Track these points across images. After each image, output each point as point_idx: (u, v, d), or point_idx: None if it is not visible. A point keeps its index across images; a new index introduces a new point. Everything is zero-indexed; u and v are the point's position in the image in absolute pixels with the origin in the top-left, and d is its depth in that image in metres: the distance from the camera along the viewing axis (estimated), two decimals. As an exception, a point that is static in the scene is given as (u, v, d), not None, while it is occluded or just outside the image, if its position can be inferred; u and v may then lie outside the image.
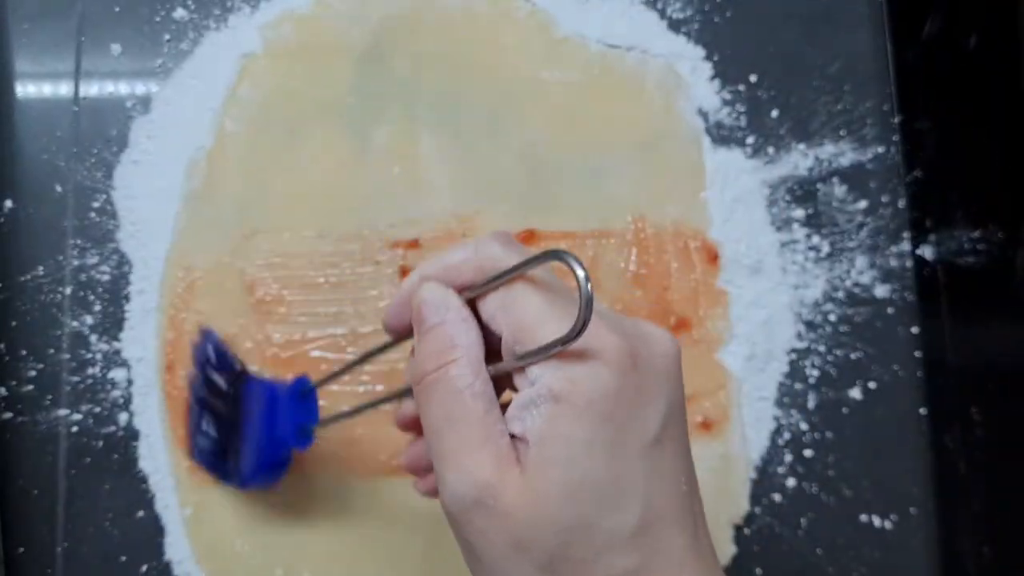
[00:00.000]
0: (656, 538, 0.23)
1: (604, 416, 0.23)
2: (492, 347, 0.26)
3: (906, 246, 0.47)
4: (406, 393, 0.30)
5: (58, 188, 0.48)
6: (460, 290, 0.27)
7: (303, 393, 0.39)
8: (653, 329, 0.25)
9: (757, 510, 0.45)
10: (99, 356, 0.47)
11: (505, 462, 0.23)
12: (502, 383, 0.26)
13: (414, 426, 0.33)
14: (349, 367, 0.37)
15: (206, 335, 0.43)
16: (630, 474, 0.23)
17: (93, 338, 0.47)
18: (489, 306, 0.26)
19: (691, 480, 0.25)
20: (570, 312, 0.22)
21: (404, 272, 0.46)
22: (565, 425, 0.23)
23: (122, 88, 0.49)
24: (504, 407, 0.25)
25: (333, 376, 0.39)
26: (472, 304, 0.26)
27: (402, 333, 0.30)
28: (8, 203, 0.48)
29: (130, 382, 0.47)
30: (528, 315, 0.24)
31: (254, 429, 0.40)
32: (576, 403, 0.23)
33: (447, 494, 0.24)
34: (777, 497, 0.45)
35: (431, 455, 0.25)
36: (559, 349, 0.23)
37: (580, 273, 0.22)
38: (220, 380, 0.42)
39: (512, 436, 0.24)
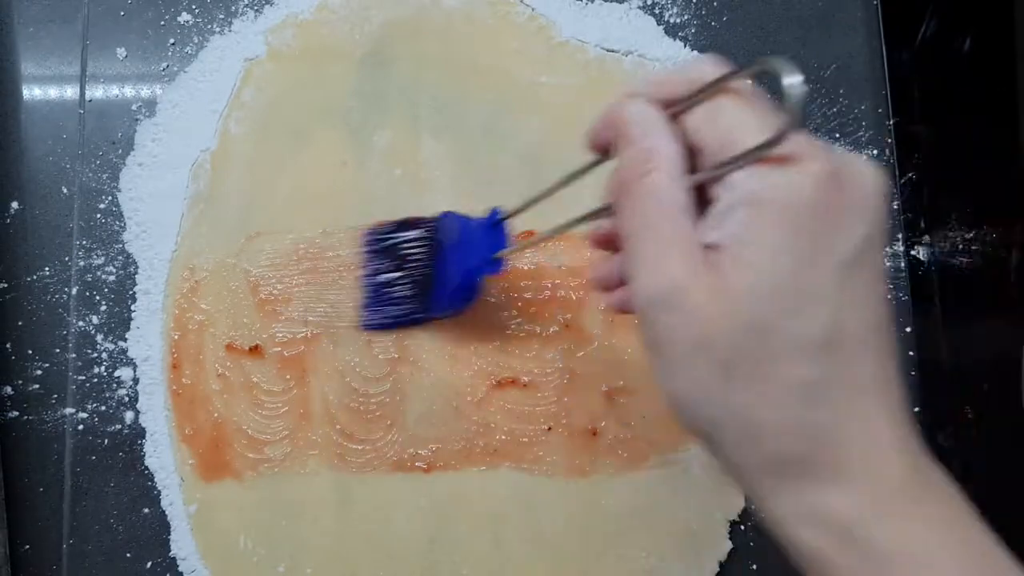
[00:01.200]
0: (839, 357, 0.23)
1: (800, 226, 0.23)
2: (694, 165, 0.26)
3: (900, 247, 0.47)
4: (602, 212, 0.30)
5: (64, 190, 0.49)
6: (666, 107, 0.27)
7: (494, 224, 0.40)
8: (861, 161, 0.25)
9: (752, 506, 0.45)
10: (105, 355, 0.48)
11: (696, 266, 0.24)
12: (701, 199, 0.26)
13: (607, 244, 0.34)
14: (547, 193, 0.36)
15: (369, 234, 0.46)
16: (820, 287, 0.23)
17: (99, 338, 0.48)
18: (694, 119, 0.26)
19: (883, 315, 0.24)
20: (774, 120, 0.22)
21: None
22: (760, 229, 0.23)
23: (127, 91, 0.49)
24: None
25: (527, 205, 0.39)
26: (676, 117, 0.26)
27: (604, 152, 0.30)
28: (15, 204, 0.49)
29: (136, 381, 0.47)
30: (733, 124, 0.24)
31: (445, 261, 0.42)
32: (774, 208, 0.23)
33: (639, 292, 0.25)
34: (773, 494, 0.45)
35: (625, 259, 0.26)
36: (764, 153, 0.23)
37: (790, 78, 0.22)
38: (396, 239, 0.44)
39: (707, 247, 0.24)
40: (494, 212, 0.40)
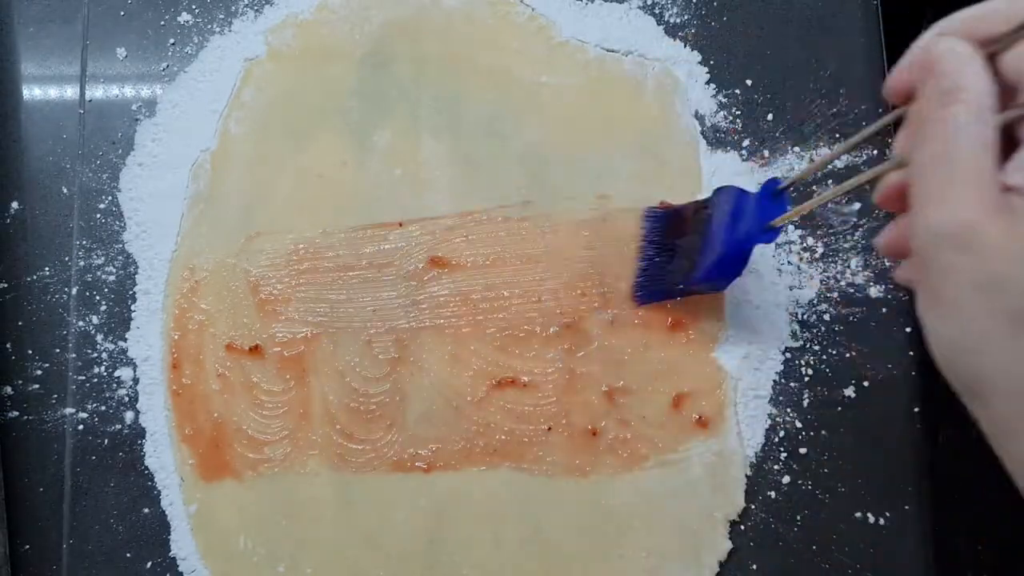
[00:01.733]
0: None
1: None
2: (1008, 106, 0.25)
3: (900, 247, 0.47)
4: (890, 167, 0.28)
5: (64, 190, 0.49)
6: (982, 45, 0.25)
7: (774, 193, 0.39)
8: None
9: (752, 506, 0.45)
10: (105, 355, 0.48)
11: (993, 206, 0.23)
12: (1010, 142, 0.25)
13: (897, 200, 0.30)
14: (833, 156, 0.35)
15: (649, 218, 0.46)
16: None
17: (99, 338, 0.48)
18: (1013, 56, 0.24)
19: None
20: None
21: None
22: None
23: (127, 91, 0.49)
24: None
25: (808, 171, 0.38)
26: (991, 58, 0.25)
27: (904, 101, 0.28)
28: (15, 205, 0.49)
29: (136, 381, 0.47)
30: None
31: (717, 232, 0.40)
32: None
33: (924, 225, 0.24)
34: (772, 494, 0.45)
35: (913, 195, 0.25)
36: None
37: None
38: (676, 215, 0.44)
39: (1008, 189, 0.23)
40: (772, 181, 0.39)
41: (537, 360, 0.46)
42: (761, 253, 0.47)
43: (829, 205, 0.47)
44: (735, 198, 0.40)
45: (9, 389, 0.48)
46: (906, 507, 0.45)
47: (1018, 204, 0.23)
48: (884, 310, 0.46)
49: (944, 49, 0.25)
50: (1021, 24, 0.24)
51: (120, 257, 0.48)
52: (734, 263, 0.40)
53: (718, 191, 0.42)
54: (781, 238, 0.47)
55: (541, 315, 0.46)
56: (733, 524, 0.45)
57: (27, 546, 0.47)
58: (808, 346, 0.46)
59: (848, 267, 0.47)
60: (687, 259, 0.42)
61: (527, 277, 0.46)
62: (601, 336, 0.46)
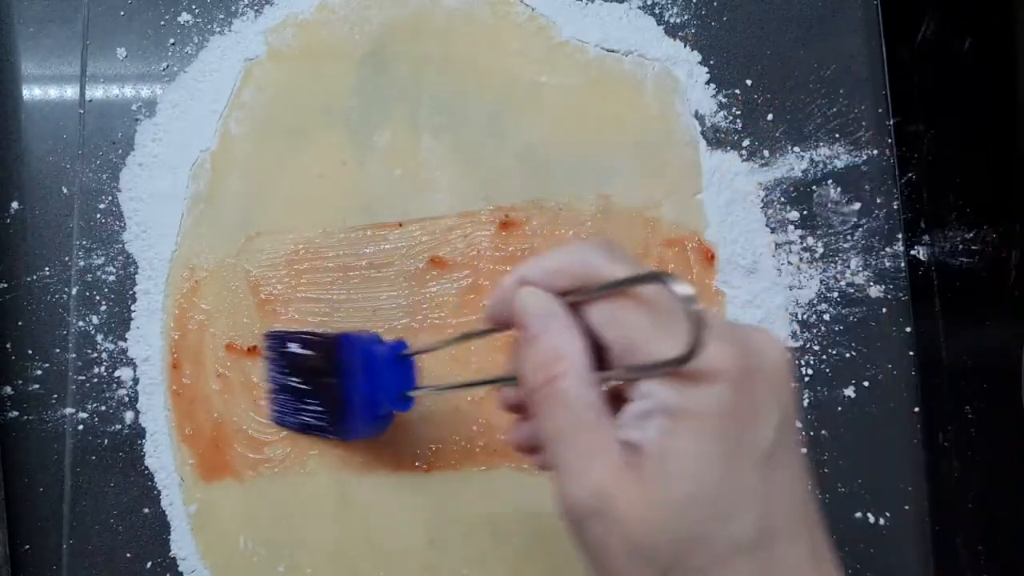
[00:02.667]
0: (774, 549, 0.23)
1: (720, 431, 0.23)
2: (599, 357, 0.26)
3: (900, 247, 0.47)
4: (509, 380, 0.30)
5: (64, 190, 0.49)
6: (563, 294, 0.27)
7: (401, 358, 0.40)
8: (764, 338, 0.25)
9: None
10: (105, 355, 0.48)
11: (620, 470, 0.24)
12: (612, 389, 0.26)
13: (518, 409, 0.33)
14: (447, 343, 0.37)
15: (270, 337, 0.45)
16: (746, 486, 0.23)
17: (99, 338, 0.48)
18: (595, 316, 0.26)
19: (807, 491, 0.25)
20: (680, 329, 0.23)
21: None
22: (681, 440, 0.23)
23: (127, 91, 0.49)
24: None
25: (430, 349, 0.39)
26: (574, 307, 0.26)
27: (504, 326, 0.30)
28: (15, 204, 0.49)
29: (136, 381, 0.47)
30: (637, 332, 0.24)
31: (355, 387, 0.41)
32: (692, 419, 0.23)
33: (566, 503, 0.25)
34: (773, 494, 0.45)
35: (551, 464, 0.26)
36: (672, 368, 0.23)
37: (685, 295, 0.22)
38: (300, 353, 0.43)
39: (624, 443, 0.24)
40: (399, 344, 0.41)
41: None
42: (761, 253, 0.47)
43: (828, 205, 0.47)
44: (365, 352, 0.41)
45: (9, 389, 0.48)
46: (906, 507, 0.45)
47: (640, 463, 0.23)
48: (884, 310, 0.46)
49: (529, 304, 0.26)
50: (597, 288, 0.25)
51: (120, 257, 0.48)
52: (378, 423, 0.42)
53: (344, 338, 0.41)
54: (781, 238, 0.47)
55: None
56: (733, 524, 0.45)
57: (27, 546, 0.47)
58: (808, 346, 0.46)
59: (848, 267, 0.47)
60: (328, 404, 0.42)
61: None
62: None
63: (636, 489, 0.23)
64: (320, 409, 0.43)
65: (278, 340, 0.44)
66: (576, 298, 0.26)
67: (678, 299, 0.22)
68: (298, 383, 0.43)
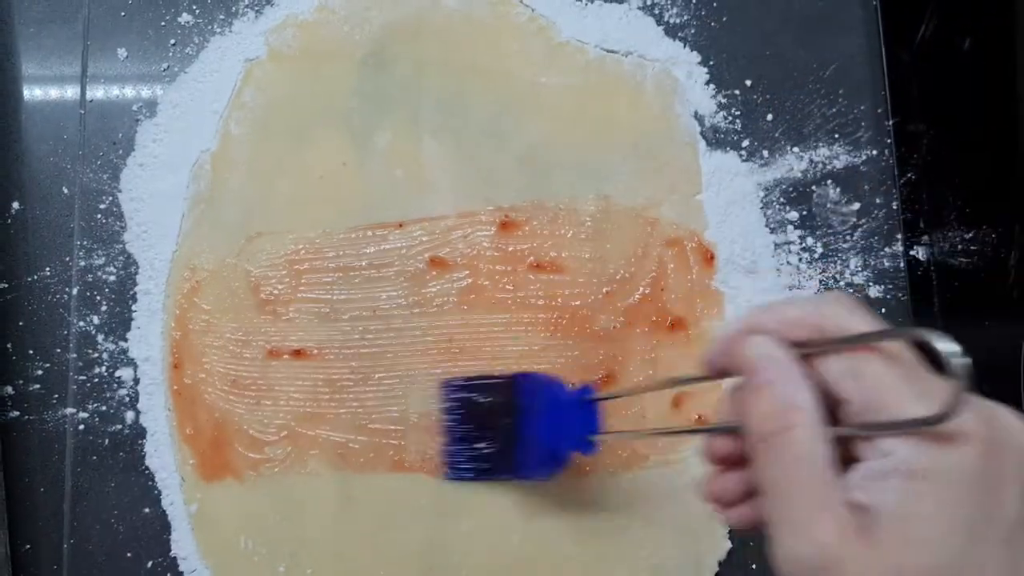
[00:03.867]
0: None
1: (966, 499, 0.22)
2: (832, 412, 0.25)
3: (899, 247, 0.47)
4: (720, 429, 0.29)
5: (65, 190, 0.49)
6: (795, 345, 0.26)
7: (585, 402, 0.40)
8: (1010, 415, 0.24)
9: None
10: (106, 355, 0.48)
11: (848, 531, 0.23)
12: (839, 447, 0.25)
13: (725, 461, 0.31)
14: (644, 389, 0.37)
15: (447, 386, 0.44)
16: (992, 559, 0.22)
17: (100, 338, 0.48)
18: (833, 368, 0.25)
19: None
20: (930, 388, 0.22)
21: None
22: (925, 504, 0.22)
23: (128, 92, 0.50)
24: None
25: (619, 395, 0.39)
26: (804, 359, 0.26)
27: (720, 375, 0.29)
28: (15, 205, 0.49)
29: (136, 381, 0.47)
30: (884, 389, 0.24)
31: (531, 426, 0.41)
32: (938, 484, 0.22)
33: (787, 557, 0.24)
34: (772, 494, 0.45)
35: (768, 514, 0.25)
36: (924, 429, 0.22)
37: (951, 351, 0.21)
38: (479, 401, 0.43)
39: (852, 505, 0.23)
40: (585, 389, 0.40)
41: (537, 360, 0.46)
42: (760, 253, 0.47)
43: (827, 205, 0.47)
44: (545, 392, 0.41)
45: (10, 389, 0.48)
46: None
47: (871, 527, 0.23)
48: (884, 310, 0.46)
49: (761, 354, 0.26)
50: (837, 340, 0.24)
51: (121, 257, 0.48)
52: (556, 464, 0.42)
53: (522, 378, 0.42)
54: (780, 238, 0.47)
55: (541, 315, 0.46)
56: (733, 524, 0.45)
57: (27, 546, 0.47)
58: (808, 346, 0.46)
59: (847, 267, 0.47)
60: (503, 445, 0.42)
61: (527, 278, 0.46)
62: (602, 336, 0.46)
63: (868, 553, 0.22)
64: (494, 450, 0.42)
65: (454, 389, 0.44)
66: (809, 350, 0.25)
67: (944, 355, 0.21)
68: (470, 430, 0.43)
